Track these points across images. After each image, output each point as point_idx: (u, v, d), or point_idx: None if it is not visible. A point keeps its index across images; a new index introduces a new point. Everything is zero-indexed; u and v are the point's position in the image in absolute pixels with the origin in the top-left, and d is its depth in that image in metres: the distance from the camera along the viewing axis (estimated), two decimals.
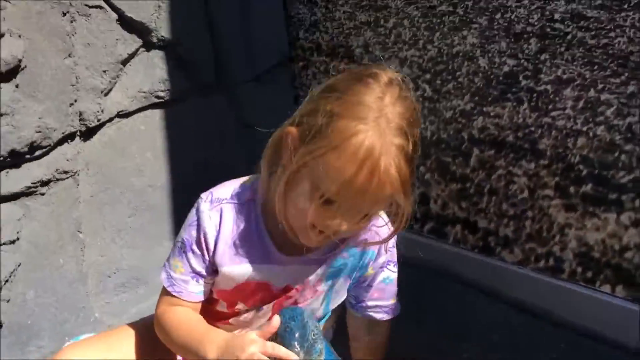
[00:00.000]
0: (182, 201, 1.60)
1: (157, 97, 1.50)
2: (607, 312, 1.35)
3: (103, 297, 1.53)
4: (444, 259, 1.58)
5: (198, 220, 0.97)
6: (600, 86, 1.26)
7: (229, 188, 1.00)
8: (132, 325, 1.11)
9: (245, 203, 0.98)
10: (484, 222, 1.52)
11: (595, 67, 1.25)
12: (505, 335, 1.43)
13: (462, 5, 1.41)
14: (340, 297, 1.07)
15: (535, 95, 1.35)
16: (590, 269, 1.37)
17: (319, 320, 1.06)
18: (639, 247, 1.29)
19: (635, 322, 1.32)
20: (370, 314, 1.10)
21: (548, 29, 1.30)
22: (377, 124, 0.85)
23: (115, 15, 1.36)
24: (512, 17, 1.34)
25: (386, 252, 1.05)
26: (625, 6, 1.19)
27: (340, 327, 1.21)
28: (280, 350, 0.86)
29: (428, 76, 1.51)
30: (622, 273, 1.33)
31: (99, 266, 1.51)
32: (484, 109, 1.44)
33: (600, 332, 1.37)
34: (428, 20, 1.48)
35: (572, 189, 1.35)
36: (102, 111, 1.40)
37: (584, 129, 1.31)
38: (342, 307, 1.16)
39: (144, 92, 1.47)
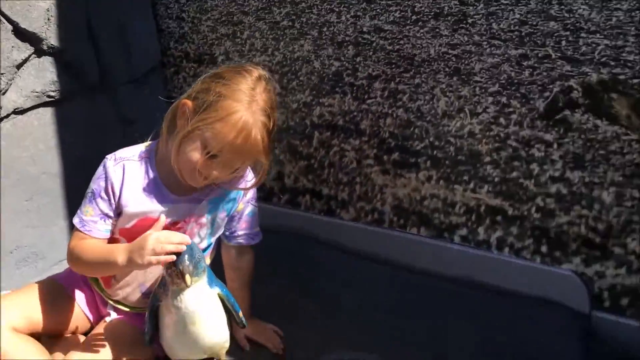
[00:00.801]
0: (73, 185, 1.87)
1: (48, 96, 1.76)
2: (417, 248, 1.81)
3: (6, 271, 1.74)
4: (298, 223, 1.97)
5: (105, 173, 1.29)
6: (397, 79, 1.71)
7: (128, 150, 1.34)
8: (36, 283, 1.41)
9: (143, 159, 1.32)
10: (326, 190, 1.93)
11: (393, 66, 1.70)
12: (348, 279, 1.82)
13: (299, 21, 1.81)
14: (220, 229, 1.42)
15: (355, 88, 1.78)
16: (402, 217, 1.82)
17: (204, 250, 1.39)
18: (433, 196, 1.75)
19: (430, 253, 1.78)
20: (241, 241, 1.46)
21: (360, 39, 1.73)
22: (250, 106, 1.24)
23: (10, 27, 1.61)
24: (335, 30, 1.76)
25: (251, 193, 1.43)
26: (409, 22, 1.65)
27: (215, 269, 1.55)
28: (175, 235, 1.21)
29: (277, 76, 1.87)
30: (423, 217, 1.78)
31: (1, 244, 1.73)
32: (320, 100, 1.85)
33: (412, 265, 1.81)
34: (274, 33, 1.86)
35: (385, 158, 1.80)
36: (0, 108, 1.64)
37: (390, 111, 1.75)
38: (218, 252, 1.51)
39: (37, 92, 1.72)
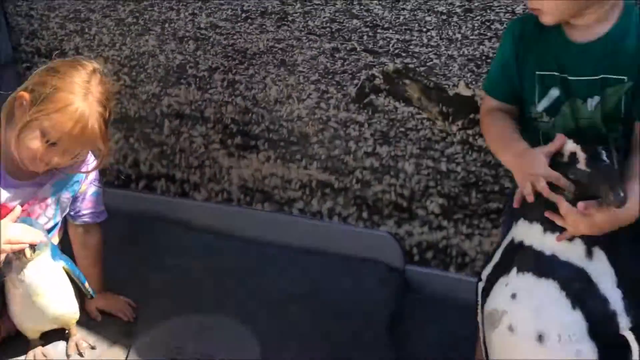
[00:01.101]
0: None
1: None
2: (262, 222, 2.02)
3: None
4: (155, 206, 2.12)
5: None
6: (234, 71, 1.90)
7: None
8: None
9: None
10: (179, 174, 2.09)
11: (229, 59, 1.89)
12: (199, 253, 2.00)
13: (142, 18, 1.95)
14: (65, 210, 1.55)
15: (197, 79, 1.96)
16: (248, 195, 2.02)
17: (51, 229, 1.53)
18: (272, 174, 1.97)
19: (273, 226, 2.00)
20: (86, 219, 1.60)
21: (198, 34, 1.91)
22: (86, 97, 1.39)
23: None
24: (175, 26, 1.92)
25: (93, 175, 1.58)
26: (239, 19, 1.84)
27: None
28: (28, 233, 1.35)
29: (126, 70, 2.02)
30: (266, 194, 2.00)
31: None
32: (167, 91, 2.01)
33: (258, 237, 2.01)
34: (120, 29, 1.99)
35: (229, 142, 1.99)
36: None
37: (230, 99, 1.94)
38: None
39: None
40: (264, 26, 1.82)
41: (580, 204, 1.05)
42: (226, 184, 2.05)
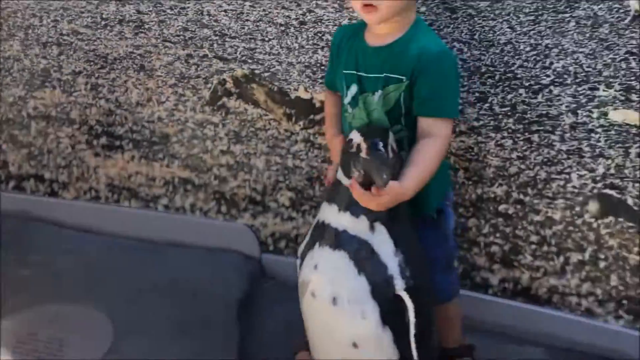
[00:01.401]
0: None
1: None
2: (126, 218, 2.12)
3: None
4: (25, 206, 2.19)
5: None
6: (96, 75, 2.01)
7: None
8: None
9: None
10: (48, 174, 2.17)
11: (92, 63, 2.00)
12: (68, 249, 2.09)
13: (6, 24, 2.03)
14: None
15: (62, 82, 2.05)
16: (115, 192, 2.13)
17: None
18: (137, 172, 2.08)
19: (140, 222, 2.12)
20: None
21: (61, 40, 2.00)
22: None
23: None
24: (39, 32, 2.01)
25: None
26: (99, 26, 1.95)
27: None
28: None
29: None
30: (132, 191, 2.11)
31: None
32: (33, 94, 2.09)
33: (125, 233, 2.12)
34: None
35: (95, 142, 2.09)
36: None
37: (94, 102, 2.05)
38: None
39: None
40: (122, 33, 1.95)
41: (374, 189, 1.25)
42: (94, 182, 2.14)
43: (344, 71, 1.44)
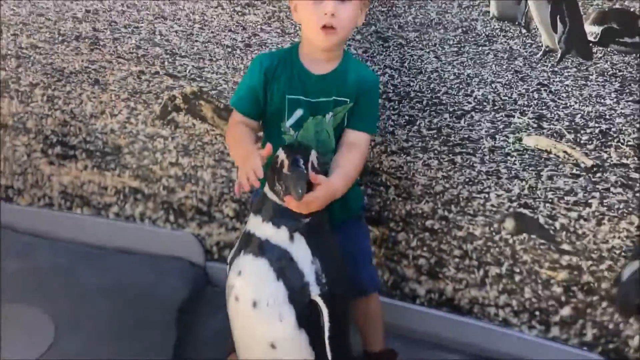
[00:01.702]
0: None
1: None
2: (80, 224, 2.21)
3: None
4: None
5: None
6: (53, 87, 2.10)
7: None
8: None
9: None
10: (4, 180, 2.25)
11: (49, 76, 2.09)
12: (18, 253, 2.16)
13: None
14: None
15: (20, 93, 2.13)
16: (68, 200, 2.21)
17: None
18: (90, 181, 2.17)
19: (90, 228, 2.20)
20: None
21: (20, 53, 2.09)
22: None
23: None
24: None
25: None
26: (57, 41, 2.05)
27: None
28: None
29: None
30: (84, 199, 2.20)
31: None
32: None
33: (75, 238, 2.20)
34: None
35: (50, 151, 2.17)
36: None
37: (50, 113, 2.14)
38: None
39: None
40: (78, 48, 2.05)
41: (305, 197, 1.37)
42: (48, 190, 2.22)
43: (289, 96, 1.55)
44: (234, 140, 1.55)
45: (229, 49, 1.92)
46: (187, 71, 1.98)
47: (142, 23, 1.97)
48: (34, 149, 2.18)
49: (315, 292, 1.39)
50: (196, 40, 1.95)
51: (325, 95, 1.54)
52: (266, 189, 1.46)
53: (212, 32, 1.92)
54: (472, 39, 1.72)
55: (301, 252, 1.40)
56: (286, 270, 1.38)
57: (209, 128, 2.02)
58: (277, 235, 1.40)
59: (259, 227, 1.43)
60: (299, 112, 1.56)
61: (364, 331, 1.69)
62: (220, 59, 1.94)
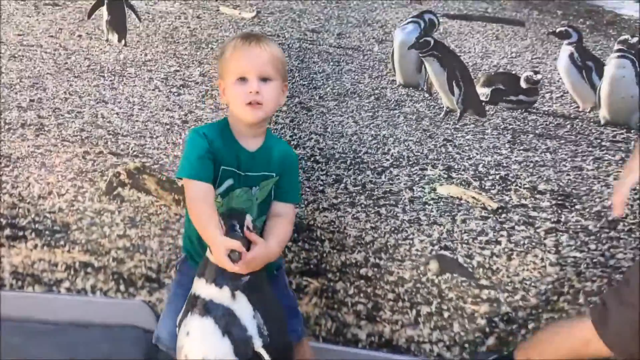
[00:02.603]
0: None
1: None
2: (30, 303, 2.27)
3: None
4: None
5: None
6: (0, 172, 2.20)
7: None
8: None
9: None
10: None
11: None
12: None
13: None
14: None
15: None
16: (19, 279, 2.28)
17: None
18: (40, 259, 2.25)
19: (47, 306, 2.27)
20: None
21: None
22: None
23: None
24: None
25: None
26: (3, 130, 2.17)
27: None
28: None
29: None
30: (35, 277, 2.27)
31: None
32: None
33: (29, 317, 2.27)
34: None
35: (0, 234, 2.27)
36: None
37: None
38: None
39: None
40: (24, 135, 2.18)
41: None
42: None
43: (223, 167, 1.67)
44: (204, 220, 1.57)
45: (168, 126, 2.09)
46: (130, 149, 2.13)
47: (85, 108, 2.12)
48: None
49: (258, 345, 1.52)
50: (136, 120, 2.11)
51: (255, 170, 1.68)
52: (208, 253, 1.60)
53: (150, 112, 2.09)
54: (384, 104, 1.95)
55: (243, 308, 1.53)
56: (230, 327, 1.51)
57: (153, 200, 2.16)
58: (220, 294, 1.54)
59: (203, 288, 1.56)
60: (229, 182, 1.69)
61: None
62: (160, 136, 2.10)
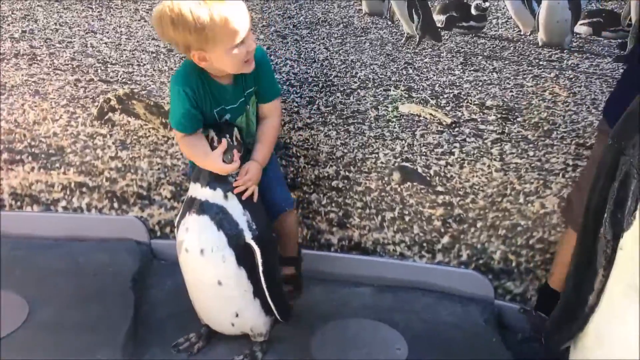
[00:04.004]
0: None
1: None
2: (29, 221, 2.47)
3: None
4: None
5: None
6: None
7: None
8: None
9: None
10: None
11: None
12: None
13: None
14: None
15: None
16: (18, 200, 2.47)
17: None
18: (38, 181, 2.44)
19: (42, 224, 2.47)
20: None
21: None
22: None
23: None
24: None
25: None
26: None
27: None
28: None
29: None
30: (34, 197, 2.47)
31: None
32: None
33: (30, 234, 2.47)
34: None
35: None
36: None
37: None
38: None
39: None
40: (18, 64, 2.32)
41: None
42: None
43: (216, 110, 1.81)
44: (196, 153, 1.78)
45: (154, 55, 2.26)
46: (119, 76, 2.30)
47: (75, 38, 2.27)
48: None
49: (248, 237, 1.79)
50: (124, 49, 2.28)
51: (240, 96, 1.85)
52: None
53: (137, 41, 2.25)
54: (352, 32, 2.16)
55: (234, 207, 1.79)
56: (224, 222, 1.77)
57: (142, 123, 2.35)
58: (214, 196, 1.78)
59: (199, 191, 1.80)
60: (227, 117, 1.86)
61: (281, 241, 2.04)
62: (147, 64, 2.28)
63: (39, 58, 2.31)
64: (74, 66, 2.32)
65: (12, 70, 2.34)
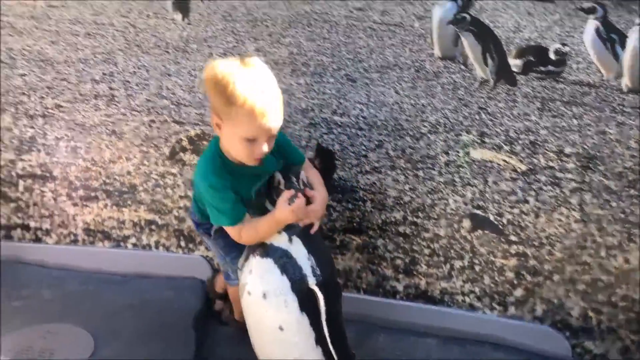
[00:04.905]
0: None
1: None
2: (103, 257, 2.53)
3: None
4: (13, 252, 2.57)
5: None
6: (76, 140, 2.46)
7: None
8: None
9: None
10: (33, 223, 2.57)
11: (73, 130, 2.45)
12: (52, 285, 2.48)
13: None
14: None
15: (46, 147, 2.49)
16: (91, 235, 2.54)
17: None
18: (110, 218, 2.51)
19: (111, 260, 2.53)
20: None
21: (46, 112, 2.46)
22: None
23: None
24: (27, 106, 2.46)
25: None
26: (78, 100, 2.42)
27: None
28: None
29: None
30: (105, 234, 2.53)
31: None
32: (21, 157, 2.52)
33: (99, 269, 2.54)
34: None
35: (73, 194, 2.52)
36: None
37: (73, 161, 2.49)
38: None
39: None
40: (97, 105, 2.42)
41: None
42: (72, 228, 2.56)
43: (253, 190, 1.81)
44: (260, 232, 1.77)
45: None
46: (191, 117, 2.36)
47: (151, 80, 2.36)
48: (60, 193, 2.53)
49: (312, 282, 1.74)
50: (197, 92, 2.34)
51: (267, 171, 1.81)
52: (267, 204, 1.82)
53: None
54: (423, 76, 2.13)
55: (299, 251, 1.76)
56: (288, 266, 1.74)
57: None
58: (278, 239, 1.76)
59: None
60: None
61: None
62: None
63: (116, 99, 2.41)
64: (149, 107, 2.39)
65: (91, 111, 2.44)
